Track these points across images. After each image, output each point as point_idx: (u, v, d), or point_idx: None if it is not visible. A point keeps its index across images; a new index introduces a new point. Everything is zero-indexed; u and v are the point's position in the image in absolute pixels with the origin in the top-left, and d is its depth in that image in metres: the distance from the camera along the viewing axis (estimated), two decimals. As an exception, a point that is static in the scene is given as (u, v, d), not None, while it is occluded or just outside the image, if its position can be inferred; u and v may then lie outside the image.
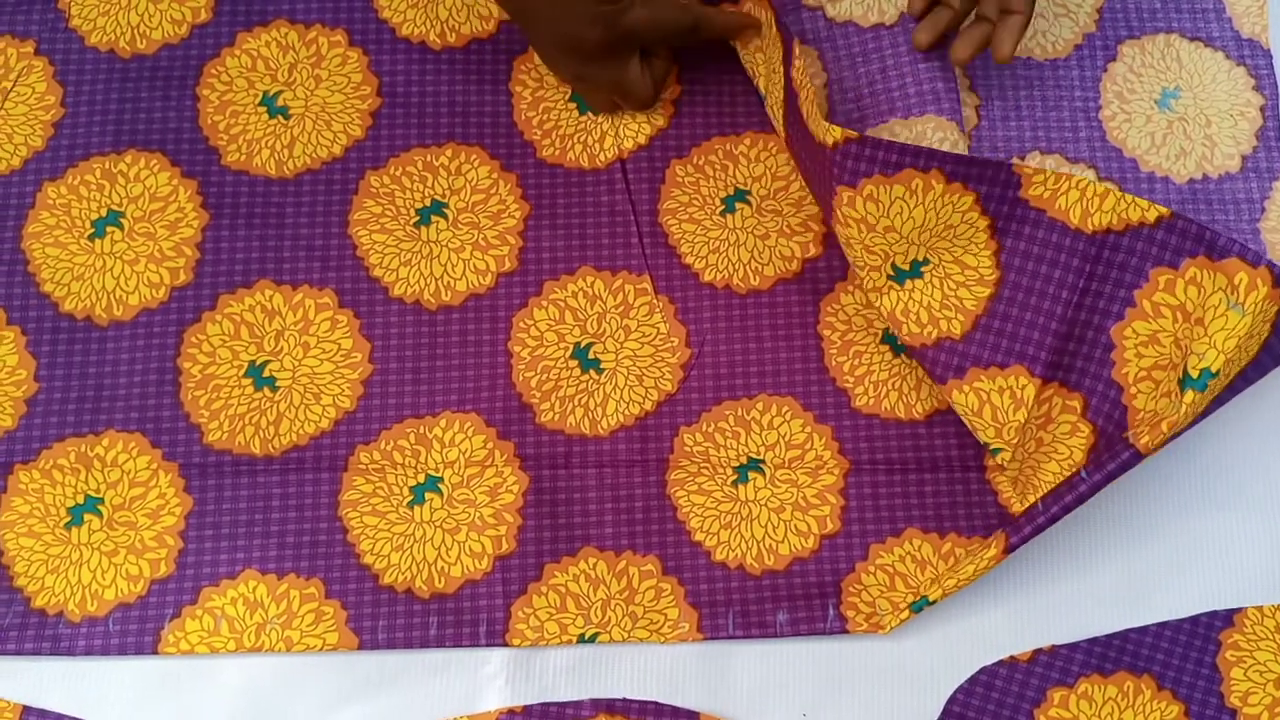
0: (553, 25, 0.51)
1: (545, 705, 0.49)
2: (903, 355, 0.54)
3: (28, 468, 0.51)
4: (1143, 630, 0.50)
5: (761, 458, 0.52)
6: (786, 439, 0.52)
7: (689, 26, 0.52)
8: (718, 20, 0.53)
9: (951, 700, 0.49)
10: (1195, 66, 0.58)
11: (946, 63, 0.54)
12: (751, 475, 0.52)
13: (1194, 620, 0.50)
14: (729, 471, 0.52)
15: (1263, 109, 0.57)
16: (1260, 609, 0.50)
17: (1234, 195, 0.56)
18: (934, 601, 0.49)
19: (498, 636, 0.49)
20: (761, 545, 0.51)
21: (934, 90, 0.53)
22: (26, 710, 0.48)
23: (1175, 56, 0.58)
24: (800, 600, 0.50)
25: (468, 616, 0.50)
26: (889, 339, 0.54)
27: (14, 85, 0.55)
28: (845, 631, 0.50)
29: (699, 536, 0.51)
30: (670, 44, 0.54)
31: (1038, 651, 0.50)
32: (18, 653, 0.48)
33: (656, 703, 0.49)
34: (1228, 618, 0.50)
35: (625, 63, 0.52)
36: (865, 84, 0.54)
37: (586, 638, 0.49)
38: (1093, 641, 0.50)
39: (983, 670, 0.49)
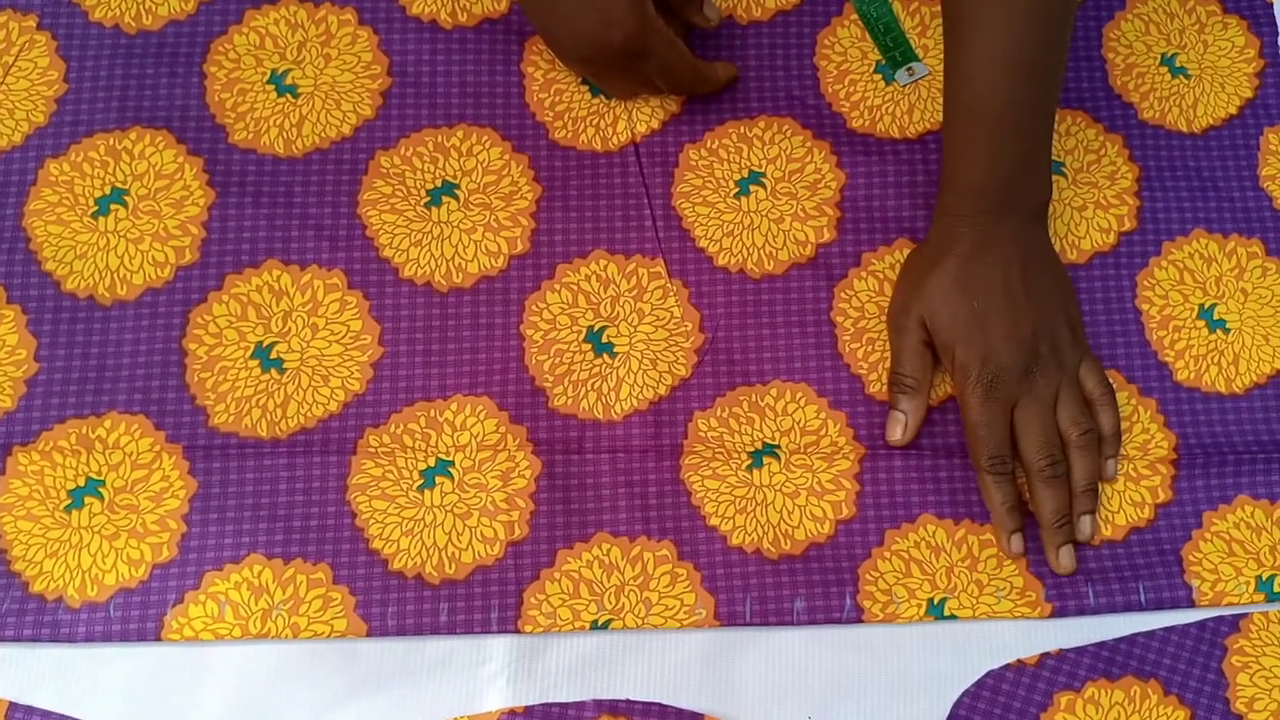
0: (569, 26, 0.51)
1: (547, 706, 0.48)
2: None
3: (27, 449, 0.49)
4: (1149, 635, 0.50)
5: (776, 443, 0.52)
6: (801, 425, 0.52)
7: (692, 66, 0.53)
8: (720, 74, 0.55)
9: (958, 704, 0.48)
10: None
11: None
12: (766, 460, 0.51)
13: (1200, 625, 0.50)
14: (743, 457, 0.51)
15: None
16: (1266, 615, 0.50)
17: None
18: (961, 618, 0.49)
19: (510, 623, 0.48)
20: (777, 530, 0.50)
21: None
22: (12, 707, 0.47)
23: None
24: (818, 588, 0.49)
25: (479, 603, 0.49)
26: (902, 326, 0.54)
27: (15, 60, 0.54)
28: (861, 621, 0.49)
29: (714, 521, 0.50)
30: (670, 76, 0.53)
31: (1044, 656, 0.49)
32: (16, 639, 0.47)
33: (660, 704, 0.48)
34: (1234, 623, 0.50)
35: (642, 66, 0.52)
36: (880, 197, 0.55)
37: (600, 624, 0.49)
38: (1099, 646, 0.49)
39: (989, 674, 0.49)
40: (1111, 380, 0.53)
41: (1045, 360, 0.50)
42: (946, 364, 0.50)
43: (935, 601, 0.50)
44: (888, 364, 0.53)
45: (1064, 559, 0.49)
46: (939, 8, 0.58)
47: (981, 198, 0.49)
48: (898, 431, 0.51)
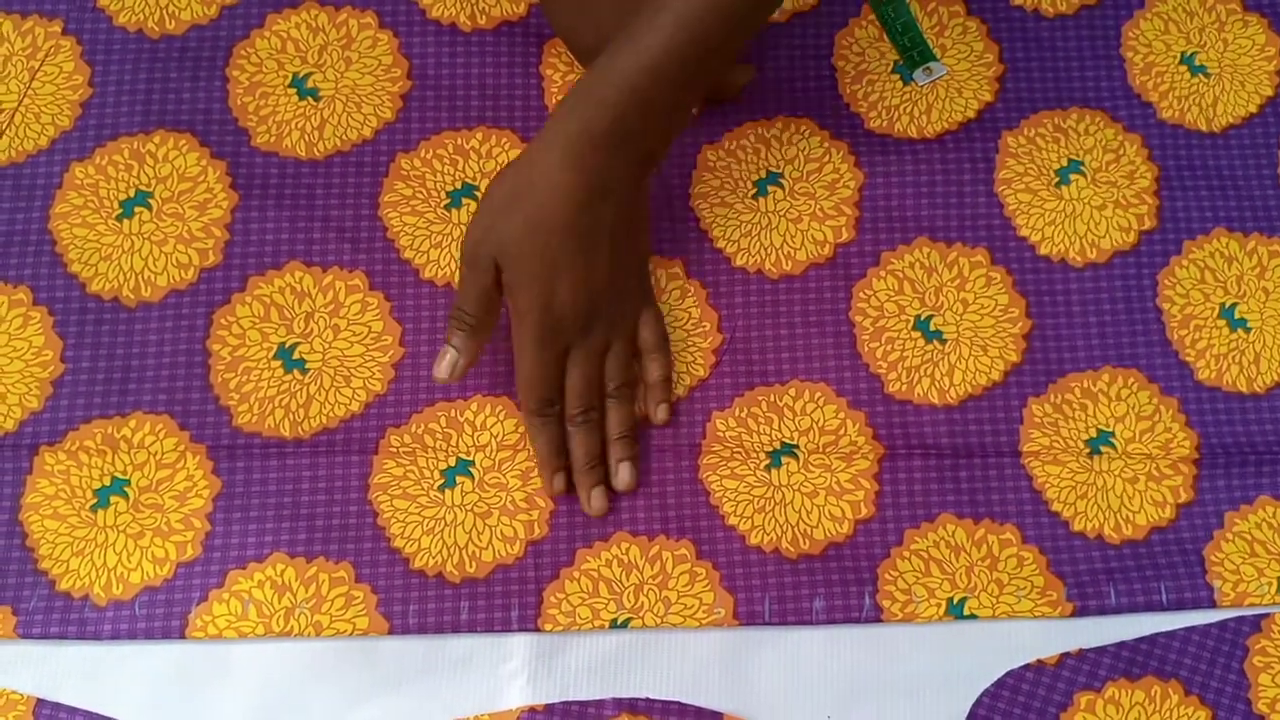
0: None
1: (567, 704, 0.48)
2: (934, 342, 0.53)
3: (53, 449, 0.50)
4: (1170, 635, 0.49)
5: (795, 443, 0.52)
6: (820, 425, 0.52)
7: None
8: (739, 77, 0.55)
9: (977, 704, 0.48)
10: None
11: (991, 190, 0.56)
12: (785, 460, 0.51)
13: (1222, 625, 0.50)
14: (762, 456, 0.51)
15: None
16: (1288, 614, 0.50)
17: None
18: (981, 618, 0.49)
19: (529, 621, 0.49)
20: (796, 529, 0.50)
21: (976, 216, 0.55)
22: (39, 704, 0.47)
23: None
24: (837, 587, 0.49)
25: (499, 601, 0.49)
26: (920, 325, 0.54)
27: (41, 65, 0.54)
28: (880, 621, 0.49)
29: (733, 521, 0.50)
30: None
31: (1065, 655, 0.49)
32: (43, 636, 0.48)
33: (679, 702, 0.48)
34: (1255, 623, 0.50)
35: None
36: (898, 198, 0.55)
37: (619, 623, 0.49)
38: (1120, 646, 0.49)
39: (1009, 674, 0.49)
40: (1132, 380, 0.53)
41: (606, 312, 0.49)
42: (510, 303, 0.48)
43: (955, 601, 0.50)
44: (907, 364, 0.53)
45: (595, 501, 0.50)
46: (957, 8, 0.58)
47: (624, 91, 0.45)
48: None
